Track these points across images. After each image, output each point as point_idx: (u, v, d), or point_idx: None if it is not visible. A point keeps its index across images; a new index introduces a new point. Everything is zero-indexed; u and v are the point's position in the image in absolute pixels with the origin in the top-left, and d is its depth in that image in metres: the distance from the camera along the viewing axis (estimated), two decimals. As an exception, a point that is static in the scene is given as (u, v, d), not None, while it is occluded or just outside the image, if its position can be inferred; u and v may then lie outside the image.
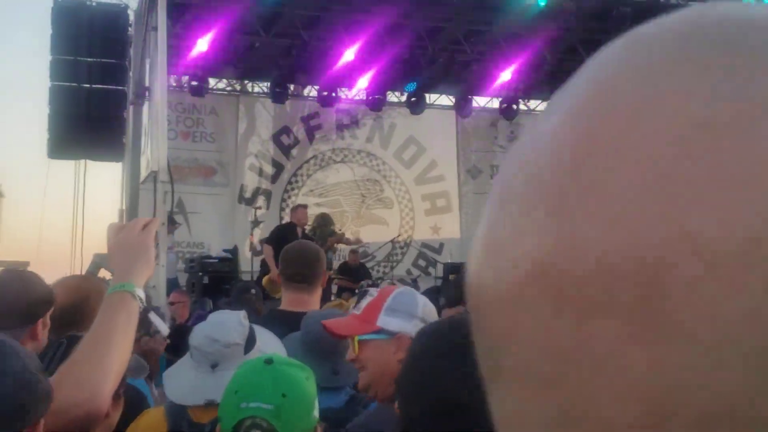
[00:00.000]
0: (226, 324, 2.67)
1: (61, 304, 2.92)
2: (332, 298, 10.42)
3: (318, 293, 3.84)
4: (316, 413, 1.80)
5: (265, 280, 11.15)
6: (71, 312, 2.82)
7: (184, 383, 2.64)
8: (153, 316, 2.38)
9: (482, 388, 0.37)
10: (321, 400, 3.07)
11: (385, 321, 2.31)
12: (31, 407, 1.53)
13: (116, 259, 2.14)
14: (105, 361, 1.79)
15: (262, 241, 11.71)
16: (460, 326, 1.55)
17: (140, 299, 2.06)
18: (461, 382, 1.44)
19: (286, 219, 15.92)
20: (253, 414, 1.73)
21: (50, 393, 1.58)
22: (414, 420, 1.48)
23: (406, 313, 2.34)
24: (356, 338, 2.28)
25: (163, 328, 2.55)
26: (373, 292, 2.48)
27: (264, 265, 11.45)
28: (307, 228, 12.76)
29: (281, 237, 11.36)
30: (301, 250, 4.04)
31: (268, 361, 1.84)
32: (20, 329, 2.67)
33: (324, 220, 13.43)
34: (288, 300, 3.78)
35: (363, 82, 15.16)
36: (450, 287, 3.96)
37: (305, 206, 13.01)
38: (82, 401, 1.73)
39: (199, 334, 2.67)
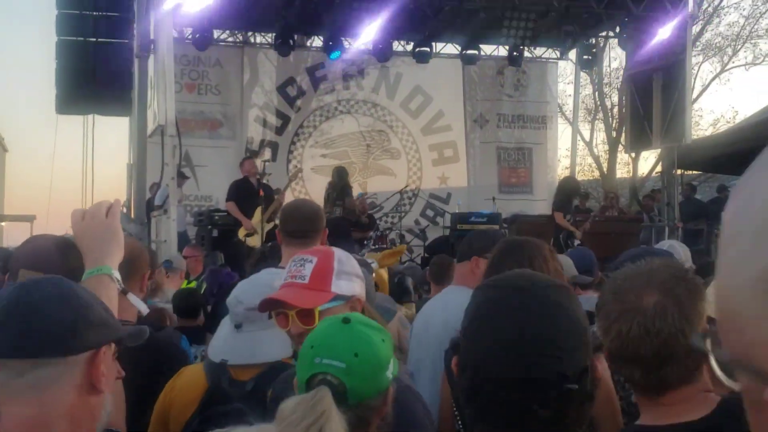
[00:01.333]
0: (255, 286, 2.69)
1: None
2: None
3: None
4: (389, 374, 1.85)
5: (241, 232, 11.41)
6: (122, 267, 2.88)
7: (216, 341, 2.69)
8: (131, 296, 2.42)
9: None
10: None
11: (338, 286, 2.28)
12: (83, 331, 1.56)
13: (87, 244, 2.15)
14: None
15: (225, 200, 11.88)
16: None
17: (117, 281, 2.10)
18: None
19: (293, 170, 15.99)
20: (325, 370, 1.77)
21: (108, 322, 1.62)
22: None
23: (352, 275, 2.33)
24: (317, 309, 2.20)
25: (142, 307, 2.58)
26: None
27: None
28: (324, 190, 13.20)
29: (239, 192, 11.57)
30: (301, 206, 4.05)
31: (346, 320, 1.88)
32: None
33: (340, 175, 13.58)
34: (288, 256, 3.70)
35: (369, 31, 15.03)
36: (463, 243, 3.97)
37: (250, 157, 13.19)
38: None
39: (231, 293, 2.71)
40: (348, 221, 12.59)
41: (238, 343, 2.62)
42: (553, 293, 1.59)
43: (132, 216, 13.52)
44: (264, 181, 11.78)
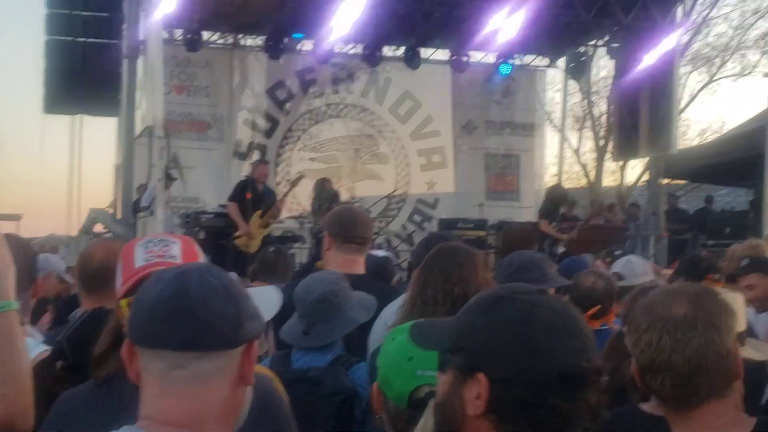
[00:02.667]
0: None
1: (96, 262, 2.98)
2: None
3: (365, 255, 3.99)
4: None
5: (239, 237, 11.33)
6: (104, 270, 2.87)
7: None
8: (27, 328, 2.46)
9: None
10: (308, 359, 3.17)
11: None
12: (244, 323, 1.54)
13: None
14: (18, 377, 1.86)
15: (227, 199, 11.79)
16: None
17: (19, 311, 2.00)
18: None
19: (281, 174, 15.98)
20: (430, 382, 1.72)
21: (258, 313, 1.59)
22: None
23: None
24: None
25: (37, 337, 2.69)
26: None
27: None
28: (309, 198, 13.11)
29: (242, 193, 11.52)
30: (359, 213, 4.19)
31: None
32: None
33: (322, 186, 13.48)
34: (340, 261, 3.85)
35: (358, 36, 15.05)
36: (421, 248, 3.96)
37: (266, 162, 13.12)
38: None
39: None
40: None
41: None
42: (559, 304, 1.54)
43: (118, 217, 13.50)
44: (312, 202, 11.80)
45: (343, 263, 3.81)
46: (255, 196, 11.36)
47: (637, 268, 4.69)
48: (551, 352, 1.40)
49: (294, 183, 12.58)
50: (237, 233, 11.36)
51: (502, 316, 1.46)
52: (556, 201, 12.85)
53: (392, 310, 3.38)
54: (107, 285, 2.31)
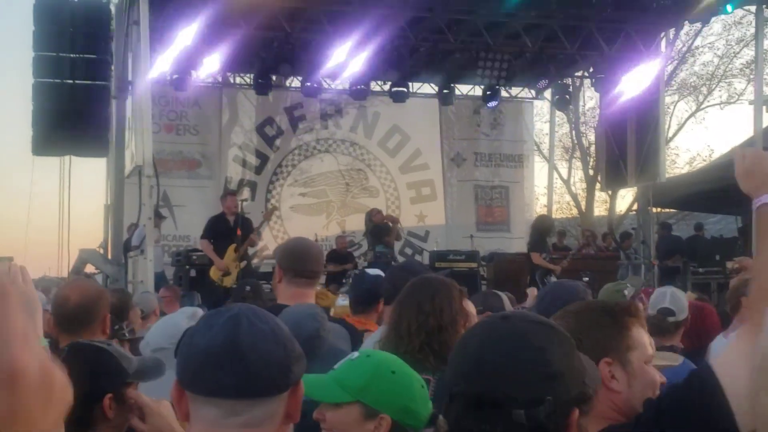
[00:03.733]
0: (164, 327, 2.76)
1: (73, 304, 2.99)
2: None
3: (315, 290, 3.94)
4: None
5: (213, 273, 11.30)
6: (82, 312, 2.87)
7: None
8: None
9: None
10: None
11: None
12: (291, 367, 1.57)
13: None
14: None
15: (201, 237, 11.80)
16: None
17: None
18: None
19: (268, 208, 16.00)
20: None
21: (302, 356, 1.62)
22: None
23: None
24: None
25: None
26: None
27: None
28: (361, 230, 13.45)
29: (214, 230, 11.52)
30: (310, 246, 4.13)
31: None
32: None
33: (370, 218, 13.92)
34: (290, 294, 3.80)
35: (346, 72, 15.16)
36: (387, 283, 3.96)
37: (233, 193, 13.14)
38: None
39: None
40: (384, 264, 12.43)
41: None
42: (528, 326, 1.64)
43: (109, 257, 13.48)
44: (246, 215, 11.74)
45: (293, 296, 3.76)
46: (226, 230, 11.33)
47: (685, 304, 4.50)
48: None
49: (267, 216, 12.67)
50: (213, 270, 11.31)
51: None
52: (543, 232, 12.89)
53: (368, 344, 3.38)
54: (85, 325, 2.33)
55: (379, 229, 13.54)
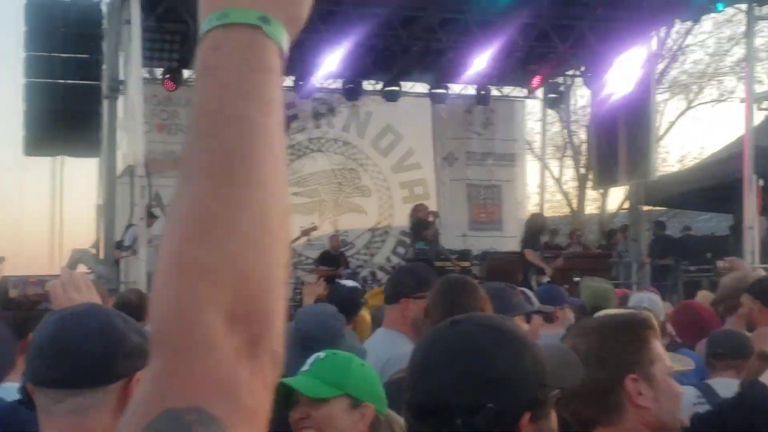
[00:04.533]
0: None
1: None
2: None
3: None
4: None
5: None
6: None
7: None
8: None
9: None
10: None
11: None
12: (115, 362, 1.66)
13: None
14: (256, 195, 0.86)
15: None
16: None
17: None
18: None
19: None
20: None
21: (143, 349, 1.66)
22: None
23: None
24: None
25: None
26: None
27: None
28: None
29: None
30: None
31: None
32: None
33: (413, 213, 13.48)
34: None
35: (338, 71, 15.17)
36: (389, 284, 3.99)
37: None
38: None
39: None
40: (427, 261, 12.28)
41: None
42: (477, 332, 1.61)
43: (101, 257, 13.47)
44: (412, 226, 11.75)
45: None
46: None
47: (660, 307, 4.82)
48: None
49: (306, 232, 12.55)
50: None
51: None
52: (536, 230, 12.92)
53: (372, 349, 3.38)
54: None
55: (419, 224, 13.14)
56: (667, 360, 2.10)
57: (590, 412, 1.99)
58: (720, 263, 11.13)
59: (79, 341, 1.65)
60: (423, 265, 4.28)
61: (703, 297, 7.05)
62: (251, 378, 0.76)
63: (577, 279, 10.67)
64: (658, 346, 2.10)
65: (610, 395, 1.95)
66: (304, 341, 2.77)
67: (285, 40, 0.92)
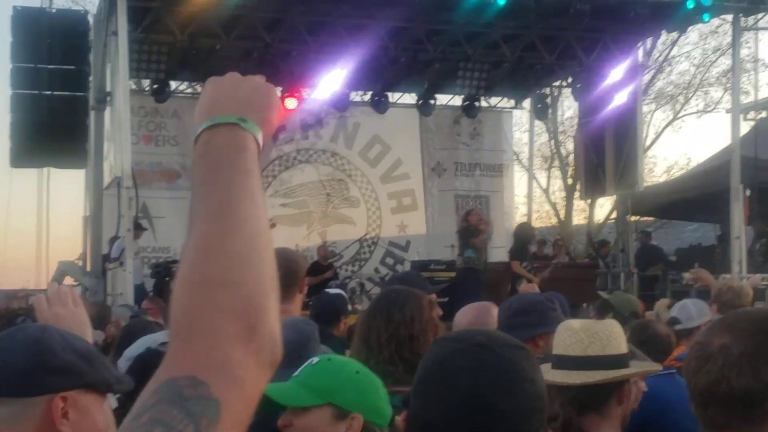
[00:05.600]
0: None
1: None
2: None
3: (296, 300, 3.82)
4: None
5: None
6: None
7: None
8: None
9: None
10: None
11: None
12: (37, 376, 1.66)
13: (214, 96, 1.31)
14: (248, 244, 1.11)
15: None
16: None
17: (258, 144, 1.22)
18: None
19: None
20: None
21: (73, 369, 1.69)
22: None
23: None
24: None
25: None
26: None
27: None
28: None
29: None
30: (283, 259, 4.06)
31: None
32: None
33: (465, 217, 13.11)
34: None
35: (326, 82, 15.17)
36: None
37: None
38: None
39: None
40: (474, 270, 12.12)
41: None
42: (510, 352, 1.59)
43: (88, 269, 13.40)
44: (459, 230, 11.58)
45: None
46: None
47: (692, 312, 4.74)
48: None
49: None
50: None
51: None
52: (524, 240, 12.92)
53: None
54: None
55: (468, 231, 12.66)
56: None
57: (727, 418, 1.78)
58: (686, 275, 11.24)
59: (4, 354, 1.68)
60: (416, 275, 4.27)
61: (662, 305, 7.22)
62: (244, 357, 0.99)
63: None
64: None
65: (758, 407, 1.73)
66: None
67: (259, 135, 1.21)
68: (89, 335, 2.05)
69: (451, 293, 10.84)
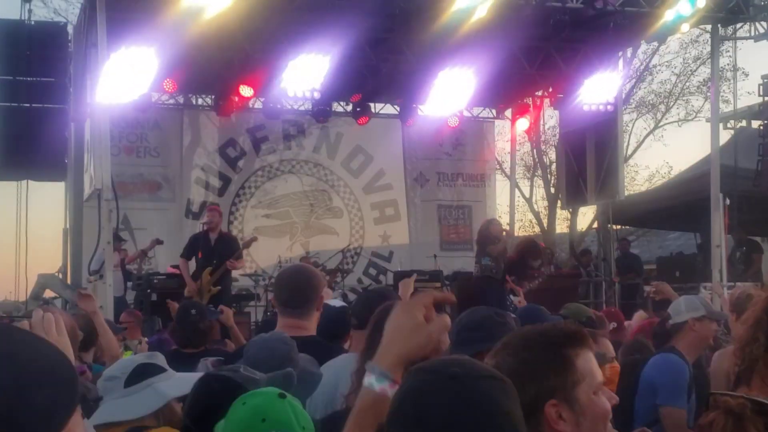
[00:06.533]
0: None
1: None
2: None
3: (313, 317, 3.84)
4: None
5: (186, 291, 11.06)
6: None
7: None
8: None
9: None
10: None
11: None
12: (21, 422, 1.37)
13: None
14: None
15: (180, 255, 11.61)
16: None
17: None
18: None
19: (234, 232, 15.87)
20: None
21: (51, 411, 1.31)
22: None
23: None
24: None
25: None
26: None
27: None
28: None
29: (193, 249, 11.33)
30: (294, 274, 4.07)
31: (282, 395, 2.15)
32: None
33: (488, 227, 12.65)
34: (283, 324, 3.78)
35: (307, 93, 15.16)
36: (359, 307, 3.95)
37: (212, 207, 12.86)
38: None
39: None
40: (490, 279, 11.86)
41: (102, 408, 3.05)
42: (485, 385, 1.58)
43: (68, 281, 13.30)
44: (227, 232, 11.56)
45: (285, 326, 3.74)
46: (206, 251, 11.12)
47: (682, 307, 4.92)
48: None
49: (247, 244, 12.40)
50: (186, 290, 11.08)
51: None
52: (528, 255, 12.85)
53: (333, 372, 3.35)
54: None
55: (488, 239, 12.40)
56: (597, 376, 1.99)
57: None
58: (647, 288, 11.41)
59: None
60: (387, 289, 4.27)
61: (640, 317, 7.53)
62: None
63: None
64: (586, 362, 1.98)
65: (531, 419, 1.82)
66: (254, 367, 2.72)
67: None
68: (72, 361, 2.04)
69: (467, 300, 10.75)
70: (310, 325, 3.84)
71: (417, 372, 1.66)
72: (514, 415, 1.57)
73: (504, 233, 12.86)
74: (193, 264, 11.48)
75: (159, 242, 13.49)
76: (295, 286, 3.87)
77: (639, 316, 7.71)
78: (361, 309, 3.85)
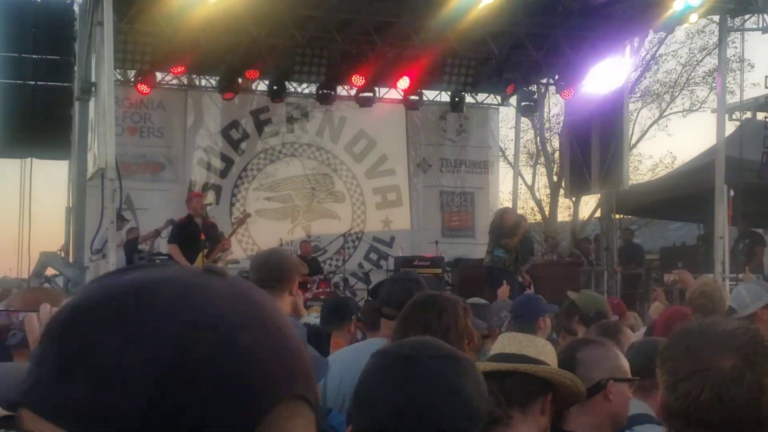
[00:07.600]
0: None
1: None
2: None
3: (285, 300, 3.80)
4: None
5: None
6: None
7: None
8: None
9: None
10: None
11: None
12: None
13: None
14: None
15: (167, 242, 11.58)
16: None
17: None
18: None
19: (236, 214, 15.87)
20: None
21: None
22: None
23: None
24: None
25: None
26: None
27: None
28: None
29: (181, 235, 11.29)
30: (266, 255, 4.12)
31: None
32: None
33: (502, 217, 12.79)
34: None
35: (312, 76, 15.13)
36: (392, 288, 3.95)
37: (199, 193, 12.88)
38: None
39: None
40: (501, 270, 11.75)
41: None
42: (439, 364, 1.62)
43: (70, 260, 13.31)
44: (211, 219, 11.59)
45: None
46: (195, 235, 11.09)
47: (746, 298, 4.53)
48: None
49: (240, 221, 12.44)
50: None
51: None
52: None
53: (346, 357, 3.35)
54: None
55: (501, 230, 12.31)
56: None
57: None
58: (667, 276, 11.24)
59: None
60: (413, 277, 4.25)
61: (656, 309, 7.28)
62: None
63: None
64: None
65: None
66: None
67: None
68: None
69: (474, 287, 10.73)
70: (281, 306, 3.84)
71: (375, 355, 1.72)
72: (467, 391, 1.59)
73: (522, 222, 12.77)
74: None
75: (173, 222, 13.48)
76: (265, 264, 3.89)
77: (657, 307, 7.41)
78: (391, 291, 3.88)
